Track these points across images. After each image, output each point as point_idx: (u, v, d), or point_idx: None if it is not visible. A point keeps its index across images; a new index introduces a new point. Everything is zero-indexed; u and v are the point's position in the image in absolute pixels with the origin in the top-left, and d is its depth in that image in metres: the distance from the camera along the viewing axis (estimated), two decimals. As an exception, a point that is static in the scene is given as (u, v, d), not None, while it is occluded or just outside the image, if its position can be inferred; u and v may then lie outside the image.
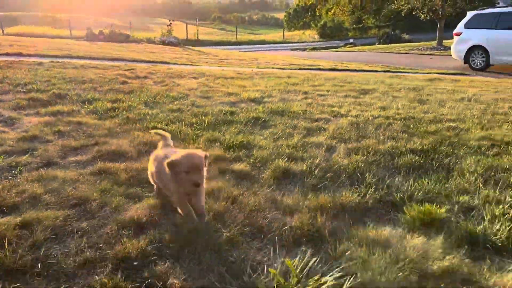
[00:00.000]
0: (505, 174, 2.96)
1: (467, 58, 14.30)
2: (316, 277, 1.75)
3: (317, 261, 1.89)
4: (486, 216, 2.32)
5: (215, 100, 5.41)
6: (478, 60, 14.05)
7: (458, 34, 14.76)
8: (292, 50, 33.32)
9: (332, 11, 51.81)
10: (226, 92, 5.96)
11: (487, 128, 4.24)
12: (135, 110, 4.70)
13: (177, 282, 1.76)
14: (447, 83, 8.42)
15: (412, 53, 22.90)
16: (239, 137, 3.65)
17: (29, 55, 9.95)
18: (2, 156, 3.15)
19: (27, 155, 3.19)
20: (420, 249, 1.98)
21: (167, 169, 2.18)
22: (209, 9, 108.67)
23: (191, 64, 10.96)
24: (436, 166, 3.11)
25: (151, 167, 2.53)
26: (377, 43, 34.60)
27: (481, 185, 2.76)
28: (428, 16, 24.76)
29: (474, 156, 3.31)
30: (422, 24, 31.69)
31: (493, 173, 2.97)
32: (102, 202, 2.46)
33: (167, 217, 2.32)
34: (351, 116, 4.67)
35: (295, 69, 11.27)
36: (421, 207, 2.34)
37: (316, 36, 47.01)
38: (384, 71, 12.01)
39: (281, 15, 79.78)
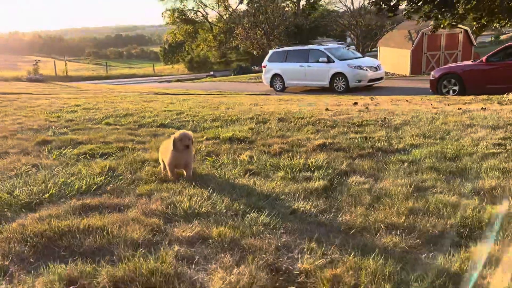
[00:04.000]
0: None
1: (271, 83, 19.47)
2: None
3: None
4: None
5: (51, 104, 9.49)
6: (278, 84, 19.18)
7: (265, 66, 19.84)
8: (160, 82, 37.75)
9: (201, 47, 57.76)
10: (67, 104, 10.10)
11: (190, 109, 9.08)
12: None
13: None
14: (217, 97, 13.51)
15: (249, 82, 28.43)
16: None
17: None
18: None
19: None
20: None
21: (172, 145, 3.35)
22: (83, 45, 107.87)
23: (50, 94, 14.61)
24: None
25: (161, 150, 3.66)
26: (232, 75, 41.19)
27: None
28: (260, 52, 31.58)
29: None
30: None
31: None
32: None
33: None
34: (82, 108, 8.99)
35: (134, 94, 15.63)
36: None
37: (186, 70, 52.42)
38: (205, 94, 16.63)
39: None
